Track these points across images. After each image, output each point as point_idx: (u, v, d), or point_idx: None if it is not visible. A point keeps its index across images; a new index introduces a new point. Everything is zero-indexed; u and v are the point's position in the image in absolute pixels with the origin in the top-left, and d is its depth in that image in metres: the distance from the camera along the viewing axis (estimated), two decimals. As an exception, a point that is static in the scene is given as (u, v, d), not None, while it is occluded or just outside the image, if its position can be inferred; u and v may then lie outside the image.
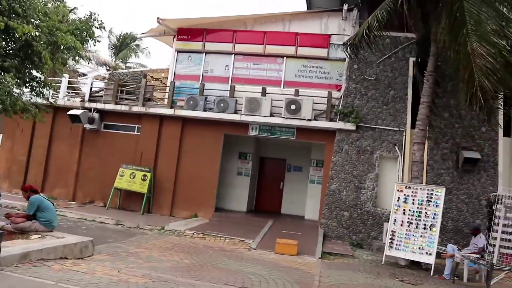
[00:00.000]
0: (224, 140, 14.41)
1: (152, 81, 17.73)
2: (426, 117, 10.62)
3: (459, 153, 12.30)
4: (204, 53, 15.02)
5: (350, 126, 12.95)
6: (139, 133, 14.86)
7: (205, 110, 13.94)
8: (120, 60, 32.87)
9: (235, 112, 13.68)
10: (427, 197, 9.77)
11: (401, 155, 12.67)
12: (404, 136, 12.80)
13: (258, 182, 17.34)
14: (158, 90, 16.70)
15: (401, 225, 9.94)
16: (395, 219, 10.09)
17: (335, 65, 14.10)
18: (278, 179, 17.18)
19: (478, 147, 12.36)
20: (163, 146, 14.50)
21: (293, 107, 13.14)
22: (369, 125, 13.02)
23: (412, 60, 13.27)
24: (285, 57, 14.40)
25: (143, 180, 13.94)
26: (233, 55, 14.78)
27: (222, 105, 13.72)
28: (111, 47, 33.26)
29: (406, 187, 10.18)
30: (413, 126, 12.83)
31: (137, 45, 34.44)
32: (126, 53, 33.68)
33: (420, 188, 9.96)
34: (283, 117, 13.23)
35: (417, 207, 9.82)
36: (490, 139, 12.52)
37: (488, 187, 12.06)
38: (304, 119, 13.08)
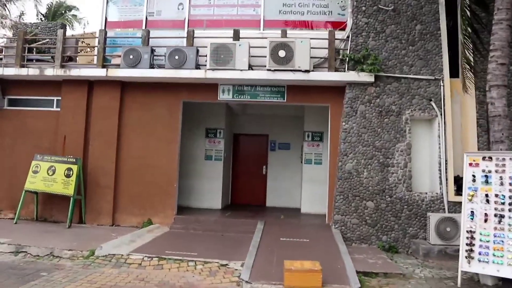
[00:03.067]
0: (184, 111, 10.10)
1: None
2: (508, 43, 6.72)
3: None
4: (147, -12, 10.44)
5: (366, 77, 8.92)
6: (58, 109, 10.24)
7: (152, 66, 9.52)
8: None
9: (197, 67, 9.36)
10: (525, 171, 5.95)
11: (441, 115, 8.82)
12: (442, 87, 8.93)
13: (233, 168, 13.14)
14: (84, 44, 12.01)
15: (485, 221, 6.09)
16: (472, 212, 6.22)
17: (335, -6, 9.97)
18: (260, 162, 13.05)
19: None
20: (96, 125, 9.99)
21: (282, 53, 8.95)
22: (392, 74, 9.04)
23: (442, -21, 9.36)
24: (263, -13, 10.09)
25: (68, 176, 9.42)
26: (189, -12, 10.29)
27: (176, 57, 9.34)
28: (40, 18, 27.74)
29: (484, 158, 6.29)
30: (452, 73, 9.06)
31: (74, 15, 29.12)
32: (60, 25, 28.11)
33: (510, 158, 6.10)
34: (269, 70, 9.02)
35: (510, 189, 5.99)
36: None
37: None
38: (300, 70, 8.93)
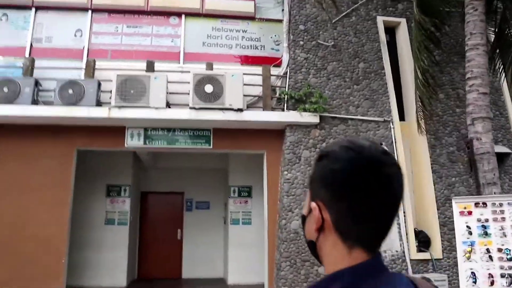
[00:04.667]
0: (79, 163, 7.76)
1: None
2: (486, 70, 5.75)
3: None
4: (34, 9, 8.22)
5: (310, 118, 7.51)
6: None
7: (36, 102, 7.21)
8: None
9: (98, 105, 7.26)
10: (531, 219, 4.69)
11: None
12: (392, 129, 7.86)
13: (141, 233, 10.65)
14: None
15: (491, 283, 4.63)
16: (472, 273, 4.74)
17: (267, 28, 8.69)
18: (174, 225, 10.78)
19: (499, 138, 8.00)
20: (-51, 183, 7.18)
21: (209, 88, 7.27)
22: (337, 114, 7.79)
23: (381, 19, 8.67)
24: (183, 15, 8.45)
25: None
26: (90, 11, 8.27)
27: (71, 92, 7.16)
28: None
29: (477, 204, 4.96)
30: (401, 116, 8.11)
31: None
32: None
33: (509, 203, 4.83)
34: (192, 108, 7.23)
35: (517, 243, 4.67)
36: (501, 127, 8.32)
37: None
38: (231, 109, 7.26)
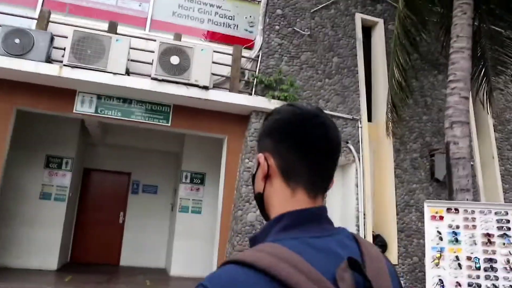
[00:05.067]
0: (17, 126, 6.91)
1: None
2: (469, 75, 5.58)
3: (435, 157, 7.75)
4: None
5: (278, 105, 7.12)
6: None
7: (-27, 49, 6.29)
8: None
9: (48, 61, 6.47)
10: (500, 226, 4.54)
11: (359, 160, 7.40)
12: (360, 129, 7.64)
13: (79, 213, 9.80)
14: None
15: (457, 294, 4.42)
16: (440, 280, 4.51)
17: (243, 8, 8.19)
18: (117, 207, 10.03)
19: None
20: None
21: (175, 60, 6.68)
22: (306, 106, 7.46)
23: (360, 16, 8.47)
24: (155, -21, 7.85)
25: None
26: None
27: (17, 41, 6.32)
28: None
29: (449, 209, 4.75)
30: (369, 116, 7.93)
31: None
32: None
33: (480, 211, 4.66)
34: (154, 79, 6.62)
35: (484, 250, 4.49)
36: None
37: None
38: (197, 86, 6.72)
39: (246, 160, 6.89)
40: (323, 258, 0.78)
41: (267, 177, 0.93)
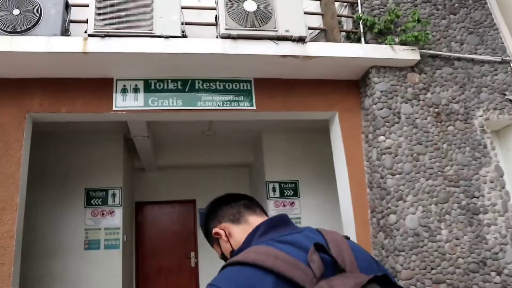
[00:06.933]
0: (34, 140, 4.59)
1: None
2: None
3: None
4: None
5: (407, 54, 4.75)
6: None
7: (-49, 29, 4.10)
8: None
9: (65, 34, 4.25)
10: None
11: (532, 115, 5.03)
12: (517, 73, 5.30)
13: (137, 260, 7.34)
14: None
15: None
16: None
17: None
18: (184, 247, 7.67)
19: None
20: None
21: (250, 5, 4.43)
22: (438, 51, 5.15)
23: None
24: None
25: None
26: None
27: (16, 13, 4.14)
28: None
29: None
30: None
31: None
32: None
33: None
34: (225, 36, 4.34)
35: None
36: None
37: None
38: (287, 38, 4.44)
39: (381, 138, 4.51)
40: (295, 249, 1.04)
41: (228, 237, 1.30)
